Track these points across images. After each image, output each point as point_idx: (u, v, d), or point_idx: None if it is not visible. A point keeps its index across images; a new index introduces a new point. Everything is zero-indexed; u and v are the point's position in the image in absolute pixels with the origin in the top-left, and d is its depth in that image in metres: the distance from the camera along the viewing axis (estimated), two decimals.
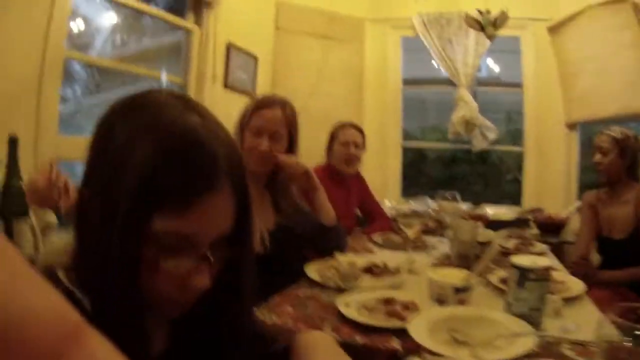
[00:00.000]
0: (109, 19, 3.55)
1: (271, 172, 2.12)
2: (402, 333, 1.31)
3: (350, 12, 5.11)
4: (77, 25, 3.19)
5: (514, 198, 4.99)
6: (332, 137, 3.39)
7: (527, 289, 1.44)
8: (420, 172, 6.16)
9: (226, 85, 4.13)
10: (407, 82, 5.30)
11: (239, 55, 4.30)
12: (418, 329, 1.28)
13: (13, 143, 1.79)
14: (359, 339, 1.34)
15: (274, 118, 2.07)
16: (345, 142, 3.32)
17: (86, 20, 3.31)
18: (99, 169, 0.76)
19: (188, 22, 3.92)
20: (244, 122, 2.09)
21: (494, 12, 4.03)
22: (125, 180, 0.72)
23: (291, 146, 2.13)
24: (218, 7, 3.97)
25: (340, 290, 1.74)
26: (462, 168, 6.07)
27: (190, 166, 0.73)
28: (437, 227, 3.07)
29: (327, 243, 2.17)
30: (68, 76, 3.24)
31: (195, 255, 0.75)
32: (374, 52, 5.23)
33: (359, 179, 3.54)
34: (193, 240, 0.74)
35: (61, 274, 0.76)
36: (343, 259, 1.95)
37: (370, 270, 1.98)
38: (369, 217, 3.53)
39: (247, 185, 0.82)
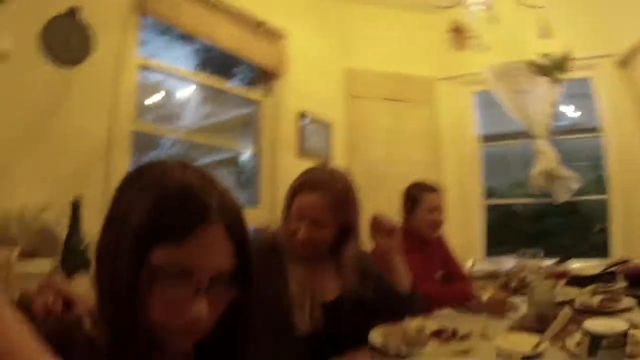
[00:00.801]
0: (189, 92, 3.78)
1: (335, 239, 1.96)
2: None
3: (420, 73, 5.11)
4: (158, 98, 3.46)
5: (604, 249, 4.69)
6: (413, 201, 3.16)
7: (600, 357, 1.32)
8: (510, 229, 5.96)
9: (300, 153, 4.21)
10: (486, 138, 5.18)
11: (311, 123, 4.38)
12: None
13: (76, 206, 1.92)
14: None
15: (313, 204, 1.88)
16: (432, 208, 3.12)
17: (169, 93, 3.54)
18: (109, 223, 0.90)
19: (258, 94, 4.08)
20: (287, 203, 1.96)
21: (557, 55, 3.89)
22: (129, 224, 0.84)
23: (344, 231, 1.96)
24: (286, 77, 4.12)
25: (401, 357, 1.66)
26: (551, 221, 5.82)
27: (183, 206, 0.84)
28: (520, 287, 2.93)
29: (401, 311, 1.96)
30: (156, 146, 3.47)
31: (194, 287, 0.83)
32: (448, 111, 5.16)
33: (440, 243, 3.36)
34: (191, 271, 0.82)
35: (87, 322, 0.88)
36: (411, 324, 1.83)
37: (439, 334, 1.88)
38: (449, 280, 3.33)
39: (244, 232, 0.91)
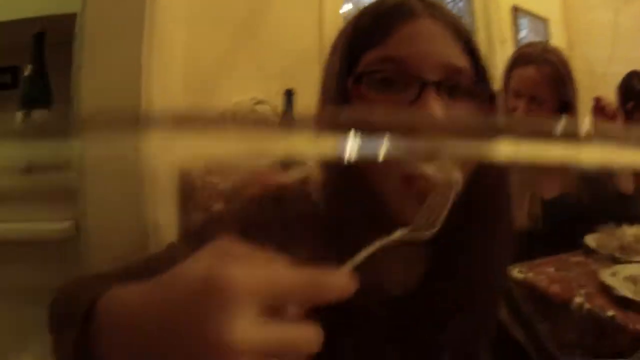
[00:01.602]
0: None
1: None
2: None
3: None
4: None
5: None
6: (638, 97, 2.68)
7: None
8: None
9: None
10: None
11: (526, 17, 4.12)
12: None
13: (289, 95, 2.02)
14: (611, 312, 1.20)
15: (528, 79, 1.80)
16: None
17: None
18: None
19: None
20: (503, 82, 1.88)
21: None
22: (333, 54, 0.78)
23: (563, 108, 1.83)
24: None
25: (614, 261, 1.58)
26: None
27: (383, 8, 0.75)
28: None
29: (621, 214, 1.80)
30: None
31: (416, 85, 0.68)
32: None
33: None
34: (406, 67, 0.69)
35: (311, 191, 0.82)
36: (629, 231, 1.69)
37: None
38: None
39: (467, 31, 0.76)
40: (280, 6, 2.65)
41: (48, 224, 1.58)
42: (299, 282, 0.41)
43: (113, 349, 0.45)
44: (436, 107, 0.66)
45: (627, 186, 1.89)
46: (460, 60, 0.71)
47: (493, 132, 0.48)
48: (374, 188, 0.71)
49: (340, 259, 0.71)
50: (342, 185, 0.73)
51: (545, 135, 0.35)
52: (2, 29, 1.82)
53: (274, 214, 0.79)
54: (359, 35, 0.74)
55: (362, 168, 0.70)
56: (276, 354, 0.38)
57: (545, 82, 1.80)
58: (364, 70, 0.71)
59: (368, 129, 0.42)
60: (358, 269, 0.71)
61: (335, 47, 0.79)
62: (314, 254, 0.74)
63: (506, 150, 0.38)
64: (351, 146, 0.31)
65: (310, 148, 0.31)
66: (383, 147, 0.33)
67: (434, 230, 0.62)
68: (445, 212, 0.62)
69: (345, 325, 0.64)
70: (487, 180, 0.73)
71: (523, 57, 1.86)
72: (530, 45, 1.95)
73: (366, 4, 0.79)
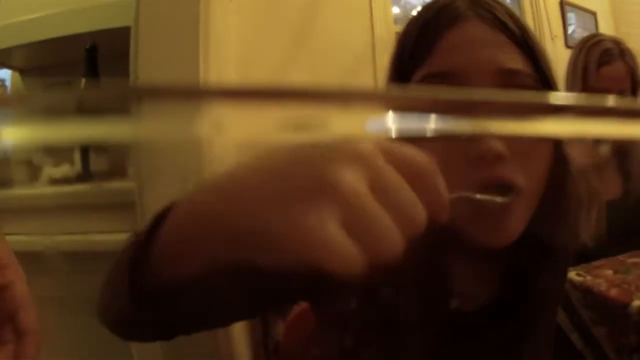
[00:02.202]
0: None
1: None
2: None
3: None
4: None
5: None
6: None
7: None
8: None
9: (567, 44, 3.88)
10: None
11: (575, 12, 4.03)
12: None
13: None
14: None
15: (617, 75, 1.76)
16: None
17: None
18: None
19: None
20: (585, 81, 1.80)
21: None
22: (389, 71, 0.75)
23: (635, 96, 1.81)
24: None
25: None
26: None
27: (425, 20, 0.71)
28: None
29: None
30: None
31: None
32: None
33: None
34: (453, 80, 0.65)
35: None
36: None
37: None
38: None
39: (525, 30, 0.70)
40: (330, 13, 2.66)
41: (107, 236, 1.59)
42: (430, 164, 0.39)
43: (196, 236, 0.45)
44: None
45: None
46: (516, 62, 0.66)
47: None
48: None
49: None
50: None
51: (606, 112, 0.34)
52: (55, 46, 1.88)
53: None
54: (405, 54, 0.71)
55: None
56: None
57: (628, 74, 1.77)
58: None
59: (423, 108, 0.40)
60: (430, 278, 0.71)
61: (388, 69, 0.76)
62: None
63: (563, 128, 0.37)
64: (401, 125, 0.31)
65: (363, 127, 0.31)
66: (434, 126, 0.32)
67: (509, 199, 0.62)
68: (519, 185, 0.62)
69: (414, 336, 0.64)
70: (558, 189, 0.70)
71: (606, 54, 1.79)
72: (601, 40, 1.85)
73: (413, 17, 0.76)
